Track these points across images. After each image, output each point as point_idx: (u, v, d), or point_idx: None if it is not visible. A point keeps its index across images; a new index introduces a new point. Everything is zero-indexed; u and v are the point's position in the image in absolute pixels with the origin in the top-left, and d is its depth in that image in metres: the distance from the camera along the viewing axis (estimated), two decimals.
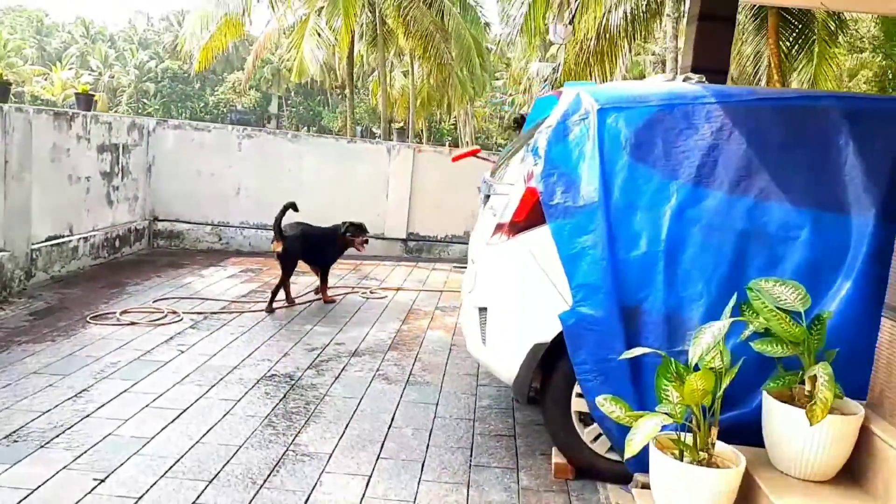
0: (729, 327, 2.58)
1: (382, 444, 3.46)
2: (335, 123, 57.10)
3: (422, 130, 39.35)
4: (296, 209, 5.90)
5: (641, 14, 12.24)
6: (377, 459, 3.30)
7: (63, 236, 6.54)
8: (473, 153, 5.83)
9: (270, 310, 5.84)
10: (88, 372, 4.13)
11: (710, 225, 3.02)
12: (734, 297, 2.73)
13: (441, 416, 3.87)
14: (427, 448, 3.46)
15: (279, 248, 5.84)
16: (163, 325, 5.21)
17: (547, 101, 4.22)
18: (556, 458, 3.26)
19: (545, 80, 13.98)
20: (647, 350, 2.73)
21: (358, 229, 6.27)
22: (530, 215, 3.19)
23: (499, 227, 3.36)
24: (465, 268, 8.23)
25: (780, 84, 12.42)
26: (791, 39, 13.46)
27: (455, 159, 6.15)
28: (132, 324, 5.16)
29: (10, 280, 5.64)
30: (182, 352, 4.64)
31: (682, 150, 3.14)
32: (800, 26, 13.37)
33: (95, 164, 6.99)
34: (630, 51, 12.97)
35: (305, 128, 58.32)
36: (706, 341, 2.55)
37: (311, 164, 8.64)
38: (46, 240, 6.28)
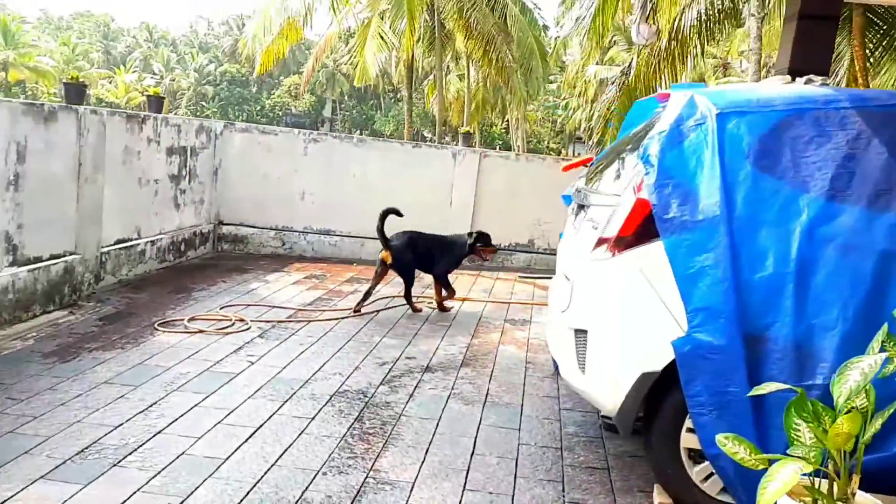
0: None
1: (467, 474, 3.21)
2: (388, 127, 57.45)
3: (474, 133, 39.16)
4: (399, 214, 5.92)
5: (716, 14, 11.74)
6: (463, 491, 3.05)
7: (131, 239, 6.50)
8: (585, 162, 5.56)
9: (414, 306, 6.04)
10: (158, 383, 4.00)
11: (847, 244, 2.68)
12: (884, 327, 2.38)
13: (526, 444, 3.60)
14: (515, 479, 3.19)
15: (389, 260, 5.83)
16: (231, 333, 5.08)
17: (646, 104, 3.93)
18: (660, 497, 2.96)
19: (612, 84, 13.57)
20: (781, 386, 2.41)
21: (485, 239, 6.26)
22: (641, 229, 2.90)
23: (602, 242, 3.08)
24: (532, 277, 7.92)
25: (865, 87, 11.75)
26: (875, 41, 12.75)
27: (566, 169, 5.91)
28: (200, 332, 5.04)
29: (80, 283, 5.60)
30: (252, 363, 4.48)
31: (814, 160, 2.81)
32: (885, 27, 12.66)
33: (164, 167, 6.95)
34: (702, 53, 12.48)
35: (358, 131, 58.92)
36: (855, 379, 2.22)
37: (375, 169, 8.48)
38: (115, 243, 6.24)
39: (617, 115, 12.38)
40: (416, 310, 6.10)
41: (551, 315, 3.76)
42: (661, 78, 12.22)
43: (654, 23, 8.27)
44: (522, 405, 4.13)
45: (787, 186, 2.79)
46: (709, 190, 2.80)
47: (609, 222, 3.06)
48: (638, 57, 11.22)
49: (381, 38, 16.87)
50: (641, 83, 12.32)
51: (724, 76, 32.88)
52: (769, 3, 11.72)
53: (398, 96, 62.86)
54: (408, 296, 6.06)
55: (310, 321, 5.58)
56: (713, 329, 2.69)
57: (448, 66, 29.49)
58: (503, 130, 49.04)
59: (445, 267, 6.23)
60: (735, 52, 31.13)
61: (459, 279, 7.69)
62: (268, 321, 5.47)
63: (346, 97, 65.38)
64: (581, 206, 3.72)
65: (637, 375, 2.83)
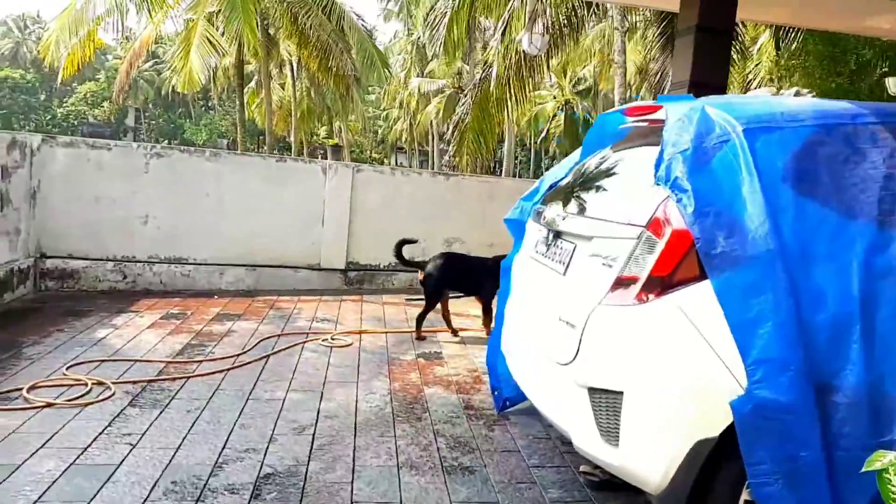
0: None
1: None
2: (199, 136, 54.24)
3: (302, 143, 37.93)
4: (412, 241, 6.06)
5: (561, 28, 11.91)
6: None
7: None
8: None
9: (419, 333, 5.89)
10: (7, 493, 2.90)
11: None
12: None
13: None
14: None
15: (421, 277, 5.92)
16: (91, 403, 3.96)
17: (610, 118, 3.52)
18: None
19: (464, 96, 13.39)
20: None
21: None
22: (680, 267, 2.43)
23: (622, 283, 2.57)
24: (419, 299, 7.34)
25: None
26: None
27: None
28: (48, 405, 3.88)
29: None
30: (132, 445, 3.46)
31: (853, 181, 2.51)
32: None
33: None
34: (548, 67, 12.68)
35: (167, 140, 55.20)
36: None
37: (233, 187, 7.44)
38: None
39: (472, 128, 12.19)
40: (419, 337, 5.87)
41: (534, 363, 3.20)
42: (510, 91, 12.22)
43: (544, 33, 8.04)
44: (486, 468, 3.52)
45: (834, 212, 2.46)
46: (755, 219, 2.39)
47: (632, 259, 2.57)
48: (496, 68, 11.08)
49: (210, 42, 15.39)
50: (493, 96, 12.26)
51: (535, 90, 34.62)
52: (631, 18, 12.12)
53: (209, 104, 59.53)
54: (420, 318, 5.86)
55: (188, 377, 4.56)
56: (778, 384, 2.28)
57: (272, 74, 28.17)
58: (324, 140, 48.30)
59: (492, 289, 5.85)
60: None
61: (343, 308, 6.92)
62: (134, 382, 4.39)
63: (150, 105, 61.12)
64: (557, 235, 3.21)
65: (691, 444, 2.35)
